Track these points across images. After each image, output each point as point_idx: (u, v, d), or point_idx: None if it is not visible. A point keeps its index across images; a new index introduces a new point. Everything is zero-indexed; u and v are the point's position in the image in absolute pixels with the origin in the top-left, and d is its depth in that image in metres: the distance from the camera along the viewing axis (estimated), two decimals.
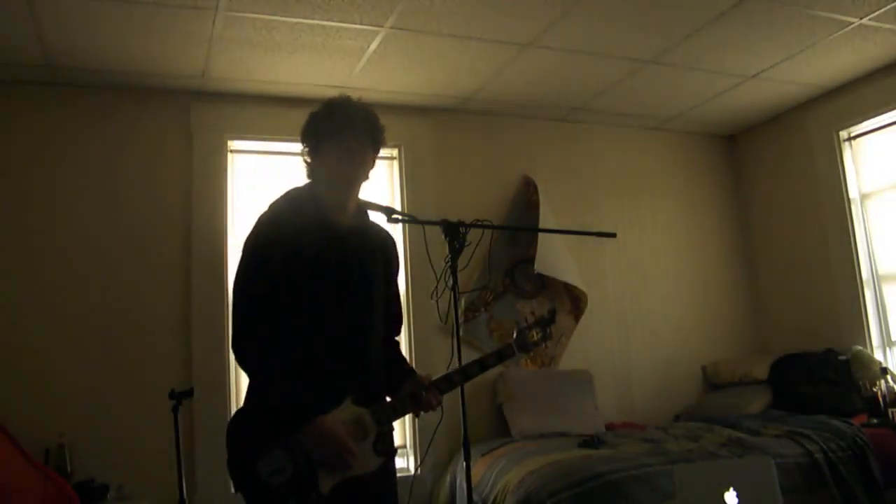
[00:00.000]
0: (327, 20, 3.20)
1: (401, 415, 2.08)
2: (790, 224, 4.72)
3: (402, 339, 2.36)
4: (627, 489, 2.83)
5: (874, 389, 3.61)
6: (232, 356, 2.42)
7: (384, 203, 2.21)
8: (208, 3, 2.99)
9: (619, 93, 4.26)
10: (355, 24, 3.26)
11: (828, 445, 3.26)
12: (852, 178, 4.34)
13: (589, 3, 3.20)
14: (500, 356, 2.18)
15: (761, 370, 4.31)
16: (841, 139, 4.38)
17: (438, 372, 2.15)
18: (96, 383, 3.41)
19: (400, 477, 2.20)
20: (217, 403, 3.57)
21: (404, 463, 3.87)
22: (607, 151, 4.77)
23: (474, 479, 3.17)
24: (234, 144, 3.97)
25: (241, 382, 3.65)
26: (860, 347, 4.07)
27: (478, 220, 2.25)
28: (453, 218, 2.21)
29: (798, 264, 4.65)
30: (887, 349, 4.14)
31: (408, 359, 2.38)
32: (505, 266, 4.30)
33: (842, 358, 3.98)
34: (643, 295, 4.65)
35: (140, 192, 3.69)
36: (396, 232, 2.32)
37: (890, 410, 3.49)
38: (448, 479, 3.65)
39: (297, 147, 2.18)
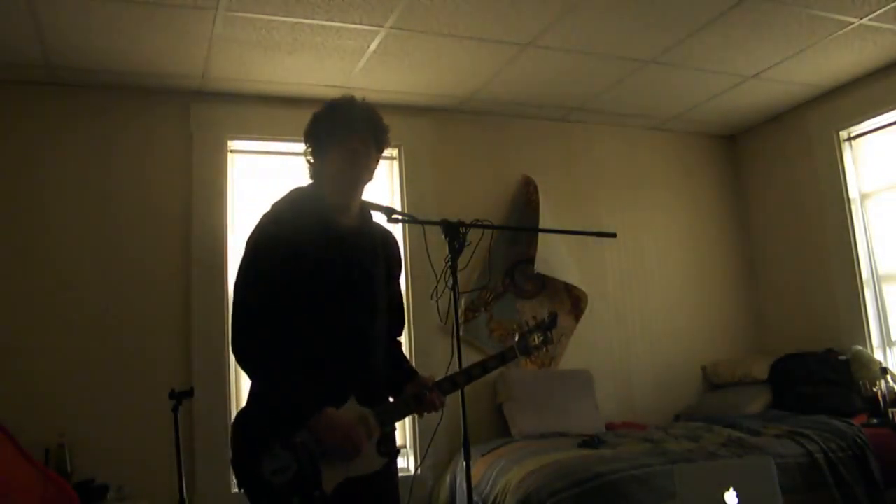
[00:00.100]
0: (327, 20, 3.20)
1: (404, 415, 2.08)
2: (790, 224, 4.71)
3: (403, 339, 2.36)
4: (627, 489, 2.83)
5: (874, 389, 3.61)
6: (232, 356, 2.42)
7: (384, 203, 2.20)
8: (208, 3, 2.99)
9: (619, 93, 4.26)
10: (355, 24, 3.26)
11: (828, 445, 3.26)
12: (852, 178, 4.34)
13: (589, 3, 3.20)
14: (503, 359, 2.20)
15: (761, 370, 4.32)
16: (841, 139, 4.38)
17: (438, 372, 2.15)
18: (96, 383, 3.41)
19: (400, 477, 2.19)
20: (217, 403, 3.58)
21: (404, 463, 3.86)
22: (607, 151, 4.76)
23: (474, 479, 3.17)
24: (233, 144, 3.97)
25: (241, 382, 3.66)
26: (860, 347, 4.06)
27: (478, 220, 2.25)
28: (453, 218, 2.20)
29: (798, 264, 4.65)
30: (887, 349, 4.14)
31: (408, 359, 2.39)
32: (505, 266, 4.30)
33: (842, 358, 3.99)
34: (643, 295, 4.65)
35: (140, 192, 3.69)
36: (396, 232, 2.32)
37: (890, 410, 3.49)
38: (448, 479, 3.65)
39: (298, 147, 2.18)
